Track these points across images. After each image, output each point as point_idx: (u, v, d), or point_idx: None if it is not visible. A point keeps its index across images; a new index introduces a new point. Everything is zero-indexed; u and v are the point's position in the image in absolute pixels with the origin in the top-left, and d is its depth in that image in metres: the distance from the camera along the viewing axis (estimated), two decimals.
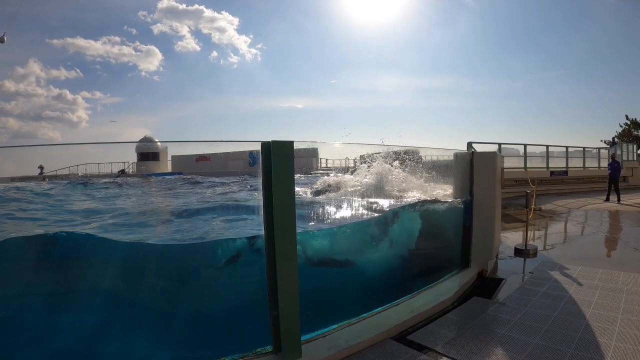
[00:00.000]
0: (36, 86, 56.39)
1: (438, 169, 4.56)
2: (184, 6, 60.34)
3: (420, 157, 4.37)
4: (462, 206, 4.28)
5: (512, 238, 6.49)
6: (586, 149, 17.05)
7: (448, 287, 3.76)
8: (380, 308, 3.15)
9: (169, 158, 27.51)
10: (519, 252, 5.28)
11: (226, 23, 62.99)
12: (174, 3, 60.28)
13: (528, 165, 14.12)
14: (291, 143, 2.27)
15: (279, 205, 2.19)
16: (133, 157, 27.09)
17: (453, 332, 3.02)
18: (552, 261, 4.97)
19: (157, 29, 59.43)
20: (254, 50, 70.30)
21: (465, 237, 4.29)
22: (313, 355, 2.48)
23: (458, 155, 4.37)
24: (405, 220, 3.83)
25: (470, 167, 4.26)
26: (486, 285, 4.06)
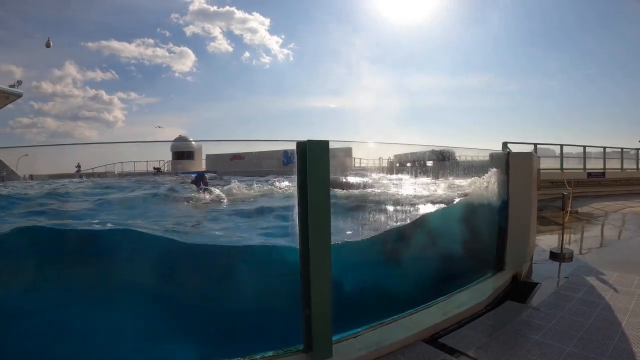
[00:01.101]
0: (73, 87, 58.97)
1: (473, 170, 4.44)
2: (215, 8, 61.60)
3: (455, 158, 4.28)
4: (498, 208, 4.17)
5: (547, 241, 6.27)
6: (624, 150, 16.26)
7: (482, 290, 3.68)
8: (412, 310, 3.11)
9: (204, 157, 27.97)
10: (554, 255, 5.11)
11: (257, 24, 63.90)
12: (205, 5, 61.59)
13: (564, 167, 13.60)
14: (326, 142, 2.26)
15: (314, 204, 2.19)
16: (168, 156, 27.73)
17: (485, 337, 2.96)
18: (588, 266, 4.80)
19: (189, 30, 61.02)
20: (285, 51, 71.00)
21: (500, 239, 4.17)
22: (344, 355, 2.47)
23: (494, 156, 4.25)
24: (439, 221, 3.77)
25: (506, 167, 4.14)
26: (520, 289, 3.96)
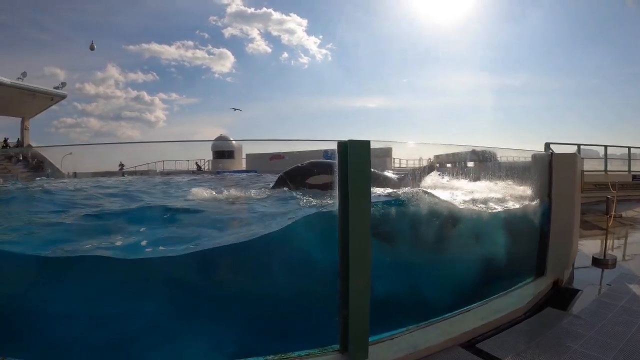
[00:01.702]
0: (115, 89, 61.47)
1: (516, 171, 4.29)
2: (252, 10, 62.52)
3: (497, 159, 4.14)
4: (540, 211, 4.02)
5: (589, 246, 6.00)
6: None
7: (521, 295, 3.56)
8: (450, 313, 3.04)
9: (244, 156, 28.43)
10: (596, 262, 4.89)
11: (295, 25, 64.35)
12: (242, 7, 62.64)
13: (608, 168, 12.93)
14: (368, 142, 2.23)
15: (355, 204, 2.17)
16: (208, 155, 28.34)
17: (524, 344, 2.87)
18: (632, 273, 4.59)
19: (227, 32, 62.27)
20: (323, 51, 71.12)
21: (541, 244, 4.02)
22: (380, 357, 2.45)
23: (536, 157, 4.09)
24: (479, 223, 3.67)
25: (549, 169, 3.97)
26: (561, 296, 3.81)
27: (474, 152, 4.02)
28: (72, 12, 58.14)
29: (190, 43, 67.13)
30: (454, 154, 4.33)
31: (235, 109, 44.78)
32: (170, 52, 60.47)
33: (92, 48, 33.50)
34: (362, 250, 2.22)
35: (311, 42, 67.60)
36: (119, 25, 63.87)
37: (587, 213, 9.48)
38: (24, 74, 32.07)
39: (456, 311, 3.09)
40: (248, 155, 26.31)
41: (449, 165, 4.51)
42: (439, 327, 2.89)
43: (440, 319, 2.97)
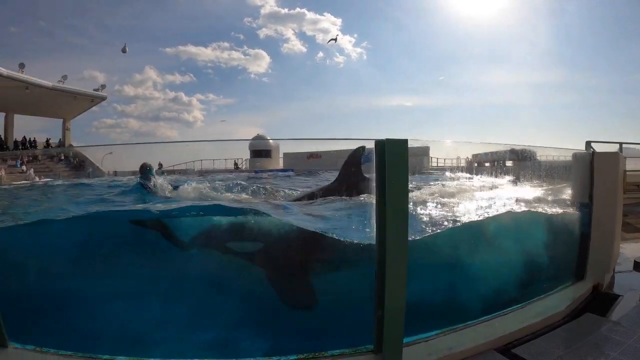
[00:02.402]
0: (153, 90, 63.86)
1: (556, 171, 4.13)
2: (285, 10, 62.93)
3: (537, 158, 4.00)
4: (580, 212, 3.85)
5: (631, 250, 5.73)
6: None
7: (559, 299, 3.43)
8: (486, 316, 2.96)
9: (281, 155, 28.76)
10: (638, 266, 4.67)
11: (329, 24, 64.42)
12: (276, 8, 63.19)
13: None
14: (405, 141, 2.19)
15: (392, 203, 2.14)
16: (246, 154, 28.78)
17: (561, 350, 2.77)
18: None
19: (262, 33, 62.99)
20: (358, 50, 70.86)
21: (581, 246, 3.86)
22: (414, 359, 2.42)
23: (577, 156, 3.91)
24: (518, 224, 3.56)
25: (590, 168, 3.80)
26: (601, 301, 3.64)
27: (512, 151, 3.90)
28: (110, 17, 60.98)
29: (226, 44, 68.73)
30: (492, 153, 4.21)
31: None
32: (206, 53, 61.90)
33: (124, 51, 34.74)
34: (398, 250, 2.19)
35: (346, 41, 67.37)
36: (155, 28, 66.35)
37: (629, 215, 9.04)
38: (65, 77, 33.62)
39: (493, 314, 3.00)
40: (285, 154, 26.56)
41: (487, 164, 4.40)
42: (474, 330, 2.82)
43: (476, 321, 2.90)
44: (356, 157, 4.23)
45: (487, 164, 4.43)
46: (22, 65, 31.03)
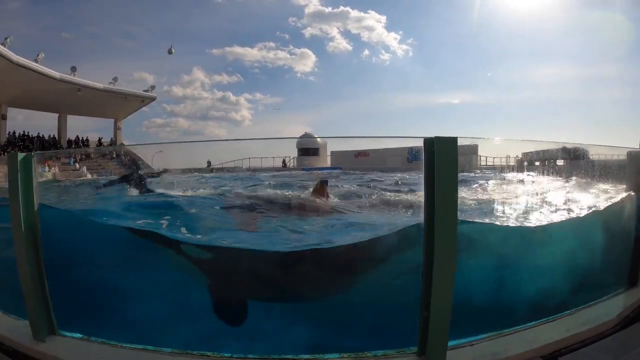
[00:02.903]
0: (201, 90, 65.92)
1: (609, 170, 3.93)
2: (329, 9, 63.36)
3: (589, 156, 3.80)
4: (635, 214, 3.65)
5: None
6: None
7: (610, 307, 3.25)
8: (533, 322, 2.84)
9: (328, 153, 29.02)
10: None
11: (374, 22, 64.35)
12: (320, 7, 63.65)
13: None
14: (455, 139, 2.13)
15: (441, 203, 2.08)
16: (293, 152, 29.25)
17: None
18: None
19: (307, 32, 63.88)
20: (404, 47, 70.35)
21: (635, 251, 3.64)
22: None
23: (632, 154, 3.70)
24: (567, 227, 3.41)
25: None
26: None
27: (564, 149, 3.73)
28: (157, 21, 63.76)
29: (272, 44, 70.04)
30: (543, 152, 4.04)
31: (276, 109, 46.82)
32: (252, 54, 63.07)
33: (170, 52, 35.88)
34: (447, 251, 2.12)
35: (391, 39, 67.08)
36: (201, 31, 68.90)
37: None
38: (115, 79, 35.34)
39: (539, 320, 2.88)
40: (333, 153, 26.77)
41: (537, 163, 4.22)
42: (520, 336, 2.71)
43: (522, 327, 2.78)
44: None
45: (537, 163, 4.25)
46: (73, 69, 32.75)
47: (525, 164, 4.20)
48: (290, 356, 2.44)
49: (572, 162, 3.79)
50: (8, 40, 26.40)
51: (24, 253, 2.51)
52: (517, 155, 4.36)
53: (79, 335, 2.68)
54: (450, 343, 2.39)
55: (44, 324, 2.63)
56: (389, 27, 70.98)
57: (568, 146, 3.68)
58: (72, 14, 56.05)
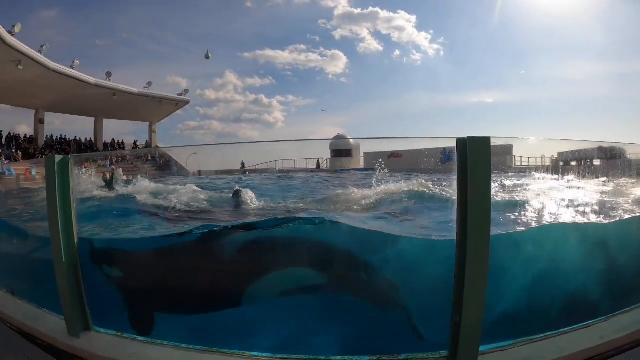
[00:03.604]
0: (234, 93, 67.08)
1: None
2: (358, 10, 63.35)
3: (627, 156, 3.68)
4: None
5: None
6: None
7: None
8: (566, 328, 2.76)
9: (362, 155, 29.11)
10: None
11: (404, 22, 63.97)
12: (349, 8, 63.70)
13: None
14: (488, 139, 2.09)
15: (474, 204, 2.05)
16: (326, 154, 29.45)
17: None
18: None
19: (338, 34, 63.97)
20: (435, 46, 69.80)
21: None
22: None
23: None
24: (603, 230, 3.31)
25: None
26: None
27: (600, 148, 3.62)
28: (189, 26, 65.49)
29: (303, 47, 70.97)
30: (579, 151, 3.93)
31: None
32: (284, 56, 63.71)
33: (207, 57, 36.84)
34: (480, 253, 2.09)
35: (422, 38, 66.54)
36: (233, 35, 70.43)
37: None
38: (150, 84, 36.47)
39: (572, 327, 2.80)
40: (366, 154, 26.70)
41: (573, 163, 4.11)
42: (553, 342, 2.63)
43: (554, 333, 2.71)
44: None
45: (573, 163, 4.13)
46: (109, 74, 33.94)
47: (561, 164, 4.09)
48: (321, 357, 2.45)
49: (608, 162, 3.67)
50: (44, 47, 27.37)
51: (60, 251, 2.59)
52: (552, 156, 4.25)
53: (112, 331, 2.75)
54: (482, 348, 2.35)
55: (78, 320, 2.71)
56: (419, 27, 70.51)
57: (604, 145, 3.57)
58: (106, 22, 58.54)
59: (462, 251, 2.10)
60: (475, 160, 2.07)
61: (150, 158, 29.87)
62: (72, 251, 2.66)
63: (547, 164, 4.27)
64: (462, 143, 2.10)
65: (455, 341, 2.25)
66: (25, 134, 34.21)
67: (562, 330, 2.73)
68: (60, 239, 2.59)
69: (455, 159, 2.11)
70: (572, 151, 4.10)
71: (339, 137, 31.92)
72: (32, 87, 28.56)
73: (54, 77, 28.54)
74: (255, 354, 2.38)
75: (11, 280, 3.89)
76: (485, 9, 69.33)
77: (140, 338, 2.66)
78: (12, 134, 32.93)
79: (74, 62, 31.02)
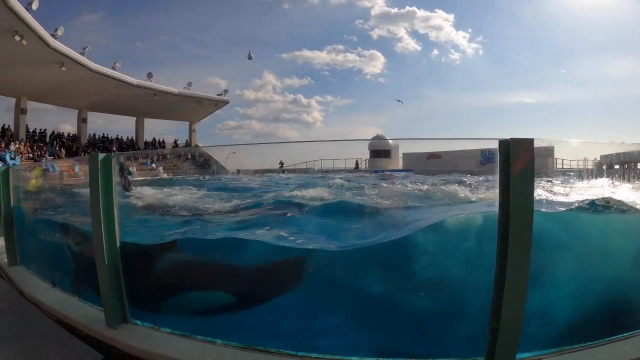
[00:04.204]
0: (273, 93, 68.97)
1: None
2: (395, 10, 63.23)
3: None
4: None
5: None
6: None
7: None
8: (604, 339, 2.62)
9: (400, 155, 29.06)
10: None
11: (441, 20, 63.33)
12: (385, 8, 63.72)
13: None
14: (531, 141, 2.04)
15: (516, 208, 2.00)
16: (365, 154, 29.57)
17: None
18: None
19: (375, 34, 64.13)
20: (474, 45, 68.87)
21: None
22: None
23: None
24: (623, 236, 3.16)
25: None
26: None
27: None
28: (228, 28, 67.46)
29: (341, 47, 71.59)
30: (624, 154, 3.77)
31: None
32: (321, 57, 64.54)
33: (249, 57, 37.62)
34: (521, 258, 2.03)
35: (460, 37, 65.62)
36: (270, 36, 72.10)
37: None
38: (189, 84, 37.62)
39: (611, 338, 2.67)
40: (405, 155, 26.58)
41: (617, 166, 3.94)
42: (591, 354, 2.51)
43: (593, 344, 2.59)
44: None
45: (616, 166, 3.95)
46: (149, 75, 35.07)
47: (604, 167, 3.91)
48: (355, 358, 2.44)
49: None
50: (86, 50, 28.41)
51: (102, 245, 2.68)
52: (595, 158, 4.08)
53: (149, 324, 2.82)
54: (519, 355, 2.29)
55: (117, 312, 2.80)
56: (457, 26, 69.64)
57: None
58: (146, 25, 61.29)
59: (502, 257, 2.05)
60: (518, 162, 2.01)
61: (190, 157, 30.69)
62: (113, 246, 2.75)
63: (590, 166, 4.10)
64: (505, 145, 2.05)
65: (491, 348, 2.19)
66: (69, 133, 35.86)
67: (600, 341, 2.60)
68: (102, 233, 2.68)
69: (497, 160, 2.07)
70: (617, 154, 3.92)
71: (377, 138, 31.63)
72: (75, 88, 29.82)
73: (97, 78, 29.61)
74: (290, 352, 2.40)
75: (52, 272, 4.05)
76: (524, 6, 67.38)
77: (176, 332, 2.72)
78: (56, 133, 34.50)
79: (115, 63, 32.10)
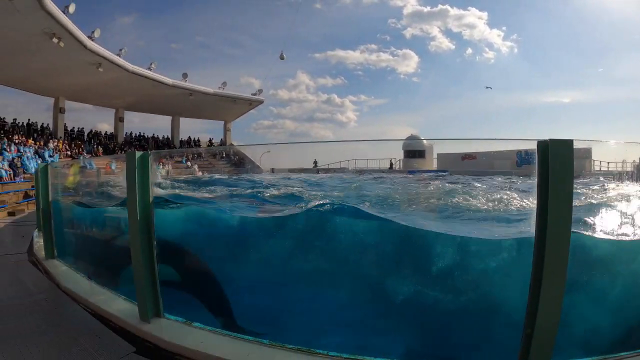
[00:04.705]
0: (307, 93, 69.92)
1: None
2: (428, 8, 62.81)
3: None
4: None
5: None
6: None
7: None
8: (635, 351, 2.52)
9: (435, 156, 28.88)
10: None
11: (475, 19, 62.70)
12: (417, 7, 63.34)
13: None
14: (570, 142, 1.98)
15: (555, 210, 1.94)
16: (399, 154, 29.49)
17: None
18: None
19: (408, 33, 63.87)
20: (508, 43, 67.57)
21: None
22: None
23: None
24: None
25: None
26: None
27: None
28: (262, 29, 68.67)
29: (374, 46, 72.06)
30: None
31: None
32: (354, 56, 64.85)
33: (282, 58, 38.09)
34: (559, 263, 1.97)
35: (494, 35, 64.51)
36: (304, 36, 73.01)
37: None
38: (224, 84, 38.40)
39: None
40: (439, 155, 26.27)
41: None
42: None
43: (629, 354, 2.48)
44: None
45: None
46: (185, 75, 35.97)
47: None
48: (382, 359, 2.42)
49: None
50: (122, 51, 29.25)
51: (138, 242, 2.77)
52: (634, 160, 3.90)
53: (181, 319, 2.89)
54: None
55: (151, 307, 2.88)
56: (491, 24, 68.37)
57: None
58: (181, 26, 62.40)
59: (539, 258, 1.99)
60: (557, 163, 1.96)
61: (224, 155, 31.14)
62: (149, 242, 2.83)
63: (629, 169, 3.93)
64: (543, 146, 2.00)
65: (524, 355, 2.13)
66: (106, 131, 37.15)
67: (629, 353, 2.49)
68: (138, 230, 2.76)
69: (534, 162, 2.02)
70: None
71: (412, 138, 31.15)
72: (112, 88, 30.83)
73: (133, 79, 30.46)
74: (320, 351, 2.40)
75: (87, 266, 4.20)
76: (559, 3, 65.26)
77: (208, 327, 2.77)
78: (93, 131, 35.83)
79: (151, 64, 32.93)
